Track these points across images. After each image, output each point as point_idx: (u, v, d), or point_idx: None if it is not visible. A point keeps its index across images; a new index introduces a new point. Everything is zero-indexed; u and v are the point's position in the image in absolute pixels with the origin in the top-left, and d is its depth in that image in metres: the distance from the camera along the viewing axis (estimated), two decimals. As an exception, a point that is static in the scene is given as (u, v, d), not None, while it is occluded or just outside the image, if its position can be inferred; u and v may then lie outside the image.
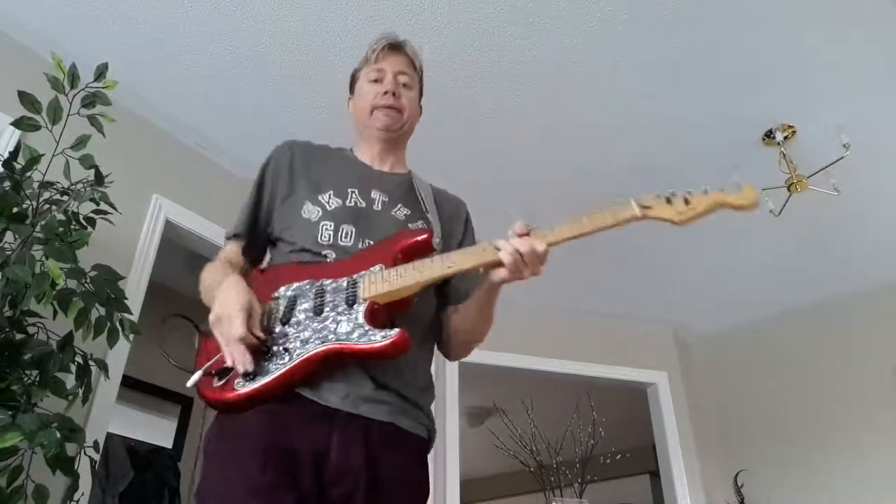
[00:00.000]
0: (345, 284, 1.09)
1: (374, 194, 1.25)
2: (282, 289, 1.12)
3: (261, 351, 1.03)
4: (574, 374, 3.86)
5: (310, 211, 1.20)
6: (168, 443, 3.64)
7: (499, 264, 1.05)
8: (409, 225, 1.23)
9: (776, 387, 3.94)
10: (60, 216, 1.68)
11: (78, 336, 1.65)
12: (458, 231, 1.34)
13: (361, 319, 1.04)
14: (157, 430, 3.61)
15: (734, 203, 1.09)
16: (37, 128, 1.68)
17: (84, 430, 1.72)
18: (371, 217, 1.21)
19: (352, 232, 1.17)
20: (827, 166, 2.66)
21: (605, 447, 4.28)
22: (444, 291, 1.26)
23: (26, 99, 1.66)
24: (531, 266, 1.04)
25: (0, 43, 2.24)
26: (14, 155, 1.68)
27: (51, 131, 1.68)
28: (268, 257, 1.30)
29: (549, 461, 4.15)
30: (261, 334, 1.03)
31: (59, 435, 1.45)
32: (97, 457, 1.85)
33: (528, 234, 1.05)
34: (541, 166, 2.96)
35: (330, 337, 1.03)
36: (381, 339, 1.01)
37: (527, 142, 2.82)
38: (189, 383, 1.04)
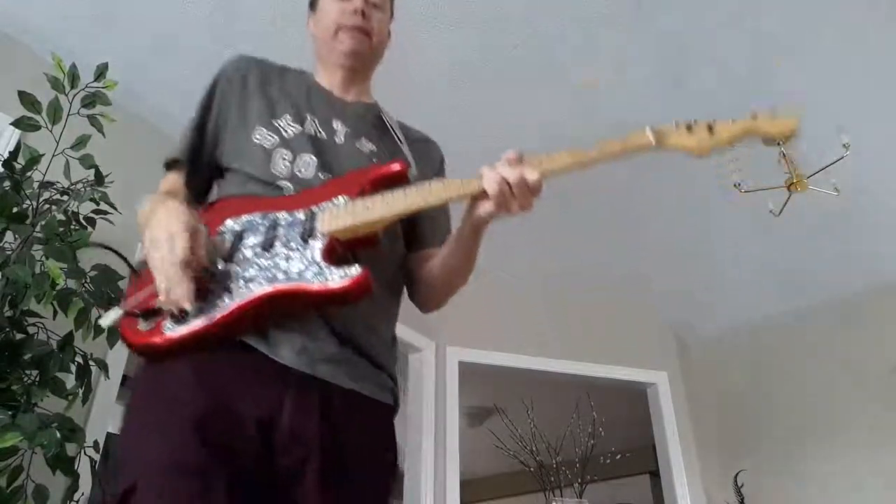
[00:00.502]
0: (302, 217, 0.93)
1: (336, 125, 1.10)
2: (228, 221, 0.96)
3: (197, 291, 0.85)
4: (574, 374, 3.86)
5: (263, 137, 1.04)
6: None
7: (483, 196, 0.90)
8: (374, 161, 1.08)
9: (776, 387, 3.94)
10: (60, 216, 1.68)
11: (78, 336, 1.65)
12: (431, 175, 1.16)
13: (317, 256, 0.88)
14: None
15: (768, 130, 0.96)
16: (37, 128, 1.68)
17: (84, 430, 1.72)
18: (332, 149, 1.06)
19: (312, 163, 1.02)
20: (827, 166, 2.66)
21: (605, 447, 4.29)
22: (414, 233, 1.12)
23: (26, 99, 1.67)
24: (520, 198, 0.88)
25: (0, 43, 2.24)
26: (14, 155, 1.68)
27: (51, 131, 1.68)
28: (215, 190, 1.13)
29: (549, 461, 4.16)
30: (206, 262, 0.87)
31: (59, 435, 1.45)
32: (97, 457, 1.85)
33: (520, 163, 0.90)
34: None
35: (278, 276, 0.87)
36: (339, 278, 0.85)
37: (524, 138, 2.82)
38: (104, 321, 0.87)
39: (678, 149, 0.94)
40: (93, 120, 1.74)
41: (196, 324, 0.85)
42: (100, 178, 1.76)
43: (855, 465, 3.48)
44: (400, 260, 1.10)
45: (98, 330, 1.69)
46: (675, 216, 3.29)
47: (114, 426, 2.57)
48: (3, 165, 1.65)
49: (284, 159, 1.02)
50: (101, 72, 1.75)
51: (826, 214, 3.15)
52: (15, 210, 1.59)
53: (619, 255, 3.60)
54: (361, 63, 1.19)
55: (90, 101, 1.74)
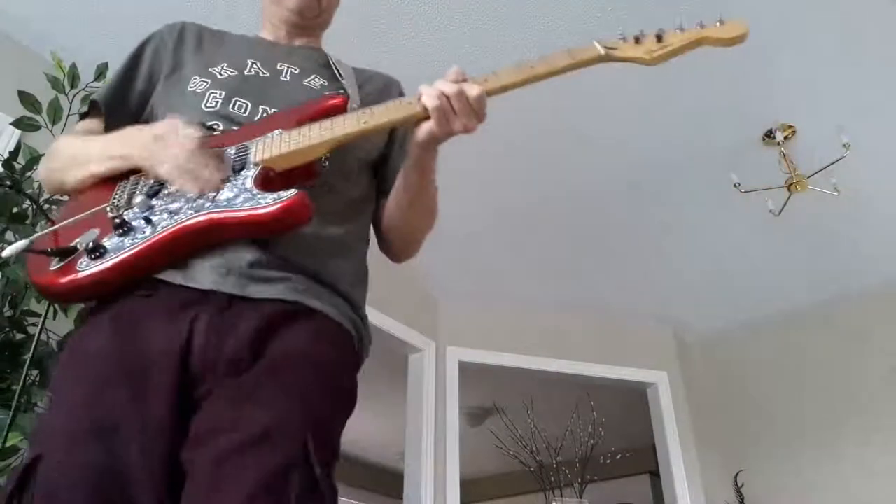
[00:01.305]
0: (233, 151, 0.86)
1: (281, 66, 1.02)
2: None
3: (114, 225, 0.78)
4: (574, 374, 3.86)
5: (196, 84, 0.96)
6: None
7: (424, 115, 0.83)
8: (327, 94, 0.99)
9: (776, 386, 3.94)
10: (60, 216, 1.68)
11: (78, 336, 1.65)
12: None
13: (248, 184, 0.80)
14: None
15: (719, 36, 0.92)
16: (37, 128, 1.68)
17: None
18: (277, 87, 0.98)
19: (246, 105, 0.94)
20: (827, 166, 2.66)
21: (605, 447, 4.29)
22: (381, 176, 1.05)
23: (26, 99, 1.67)
24: (462, 115, 0.82)
25: (0, 43, 2.24)
26: (14, 155, 1.68)
27: (51, 131, 1.68)
28: None
29: (549, 461, 4.16)
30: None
31: (59, 435, 1.45)
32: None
33: (461, 81, 0.84)
34: (537, 164, 2.96)
35: (206, 205, 0.79)
36: (271, 201, 0.77)
37: (523, 138, 2.82)
38: (5, 252, 0.78)
39: (627, 60, 0.91)
40: (93, 120, 1.74)
41: (112, 259, 0.76)
42: (100, 178, 1.76)
43: (856, 464, 3.48)
44: (361, 196, 1.01)
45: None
46: (676, 216, 3.29)
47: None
48: (3, 165, 1.65)
49: (216, 98, 0.94)
50: (101, 72, 1.75)
51: (825, 214, 3.15)
52: (15, 210, 1.59)
53: (619, 255, 3.60)
54: (308, 22, 1.12)
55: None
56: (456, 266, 3.53)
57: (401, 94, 1.12)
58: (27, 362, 1.36)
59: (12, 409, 1.33)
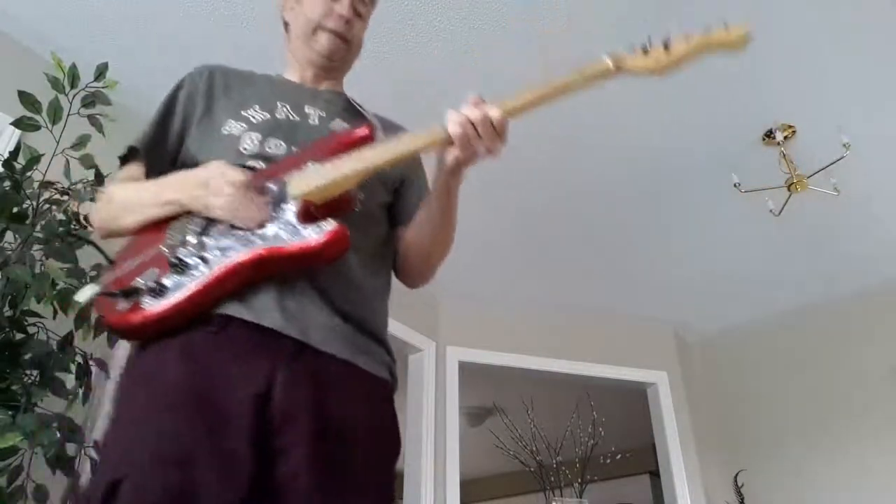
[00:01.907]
0: (272, 186, 0.91)
1: (308, 109, 1.08)
2: None
3: (171, 265, 0.85)
4: (574, 374, 3.86)
5: (231, 127, 1.01)
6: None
7: (450, 142, 0.88)
8: None
9: (776, 387, 3.94)
10: (60, 216, 1.68)
11: (78, 336, 1.65)
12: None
13: (291, 218, 0.86)
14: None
15: (722, 41, 0.96)
16: (37, 128, 1.68)
17: (84, 430, 1.72)
18: (306, 130, 1.04)
19: (281, 145, 0.99)
20: (827, 166, 2.66)
21: (605, 447, 4.29)
22: (395, 209, 1.10)
23: (26, 99, 1.67)
24: (486, 139, 0.86)
25: (0, 43, 2.24)
26: (14, 155, 1.68)
27: (51, 131, 1.68)
28: None
29: (549, 461, 4.16)
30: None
31: (59, 435, 1.45)
32: (97, 457, 1.84)
33: (480, 105, 0.88)
34: (538, 165, 2.96)
35: (255, 241, 0.85)
36: (314, 234, 0.83)
37: (523, 139, 2.82)
38: (79, 296, 0.84)
39: (637, 71, 0.93)
40: (93, 120, 1.74)
41: (175, 296, 0.83)
42: (100, 178, 1.76)
43: (855, 464, 3.48)
44: (384, 236, 1.07)
45: (98, 330, 1.69)
46: (676, 216, 3.29)
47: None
48: (3, 165, 1.65)
49: (252, 140, 0.99)
50: (101, 72, 1.75)
51: (826, 214, 3.15)
52: (15, 210, 1.59)
53: (619, 255, 3.60)
54: (334, 66, 1.18)
55: (90, 100, 1.74)
56: (456, 266, 3.53)
57: None
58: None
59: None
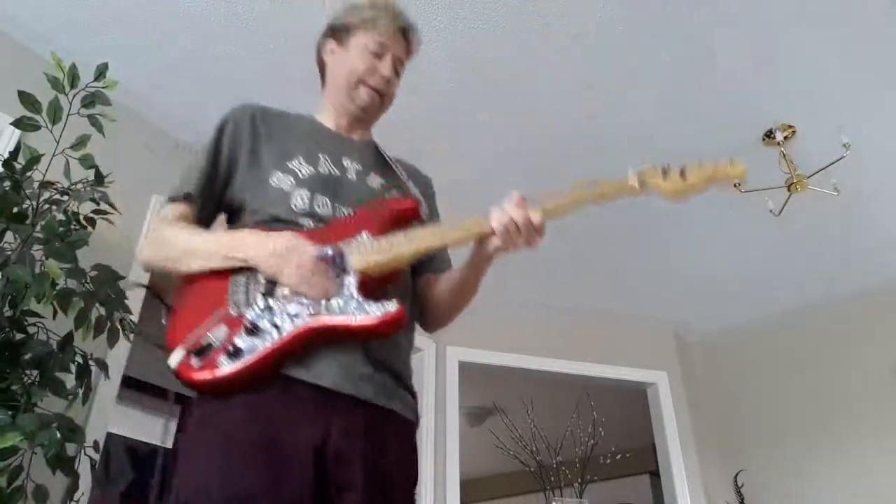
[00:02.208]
0: (335, 256, 1.00)
1: (346, 162, 1.18)
2: None
3: (246, 329, 0.94)
4: (574, 374, 3.86)
5: (280, 180, 1.10)
6: (168, 443, 3.64)
7: (492, 234, 1.00)
8: (386, 194, 1.16)
9: (776, 387, 3.94)
10: (60, 216, 1.68)
11: (78, 336, 1.65)
12: (427, 200, 1.28)
13: (354, 292, 0.96)
14: (157, 429, 3.61)
15: (728, 174, 1.07)
16: (37, 128, 1.68)
17: (84, 430, 1.72)
18: (346, 186, 1.13)
19: (327, 202, 1.09)
20: (827, 166, 2.66)
21: (605, 447, 4.28)
22: (422, 260, 1.16)
23: (26, 99, 1.66)
24: (526, 237, 0.99)
25: (0, 43, 2.24)
26: (14, 155, 1.68)
27: (51, 131, 1.68)
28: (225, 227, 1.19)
29: (549, 461, 4.15)
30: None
31: (59, 435, 1.45)
32: (97, 457, 1.84)
33: (524, 204, 1.01)
34: (538, 165, 2.96)
35: (322, 311, 0.95)
36: (379, 312, 0.94)
37: (524, 140, 2.82)
38: (172, 362, 0.92)
39: (657, 192, 1.06)
40: (93, 120, 1.74)
41: (249, 359, 0.91)
42: (100, 178, 1.76)
43: (855, 464, 3.48)
44: (412, 296, 1.17)
45: (98, 330, 1.69)
46: (676, 216, 3.29)
47: (113, 426, 2.58)
48: (3, 165, 1.65)
49: (303, 198, 1.08)
50: (101, 72, 1.75)
51: (826, 214, 3.15)
52: (15, 210, 1.59)
53: (619, 255, 3.60)
54: (370, 116, 1.28)
55: (90, 100, 1.74)
56: (455, 266, 3.53)
57: (431, 183, 1.35)
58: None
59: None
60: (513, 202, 1.00)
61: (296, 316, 0.95)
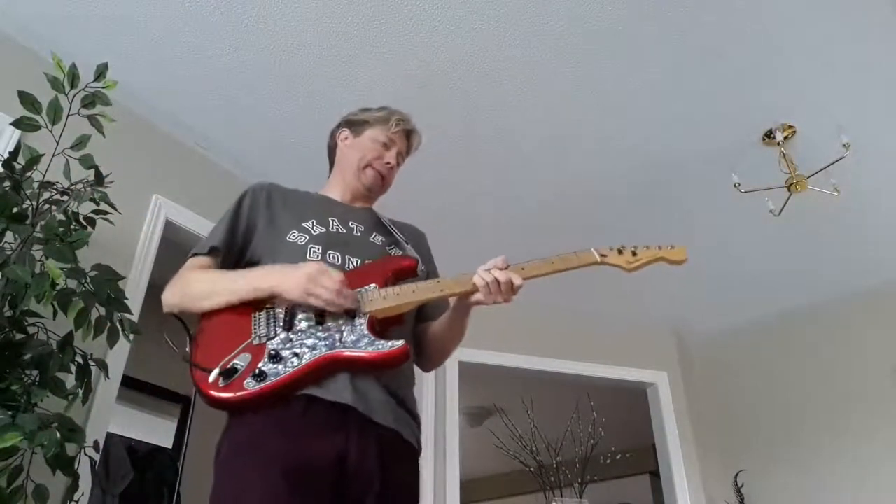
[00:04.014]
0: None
1: (352, 224, 1.37)
2: (276, 299, 1.18)
3: (270, 356, 1.08)
4: (574, 374, 3.86)
5: (296, 237, 1.28)
6: (168, 443, 3.64)
7: (476, 289, 1.18)
8: (388, 249, 1.35)
9: (776, 387, 3.94)
10: (60, 216, 1.67)
11: (78, 336, 1.65)
12: (423, 254, 1.46)
13: (366, 331, 1.12)
14: (157, 430, 3.61)
15: (669, 258, 1.38)
16: (37, 128, 1.68)
17: (84, 430, 1.72)
18: (353, 241, 1.32)
19: (338, 256, 1.27)
20: (827, 166, 2.66)
21: (605, 447, 4.28)
22: (422, 309, 1.35)
23: (26, 99, 1.66)
24: (504, 294, 1.17)
25: (0, 43, 2.24)
26: (14, 155, 1.68)
27: (51, 131, 1.68)
28: None
29: (549, 461, 4.15)
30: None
31: (59, 435, 1.45)
32: (97, 457, 1.84)
33: (506, 268, 1.19)
34: (537, 165, 2.96)
35: (337, 344, 1.10)
36: (389, 347, 1.09)
37: (527, 147, 2.82)
38: (211, 379, 1.05)
39: (614, 266, 1.36)
40: (93, 120, 1.74)
41: (272, 380, 1.05)
42: (100, 178, 1.76)
43: (855, 464, 3.48)
44: (413, 335, 1.33)
45: (98, 330, 1.69)
46: (676, 216, 3.29)
47: (113, 426, 2.58)
48: (3, 165, 1.65)
49: (316, 252, 1.25)
50: (101, 72, 1.74)
51: (826, 214, 3.15)
52: (15, 210, 1.59)
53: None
54: (371, 196, 1.50)
55: (90, 101, 1.74)
56: (455, 266, 3.53)
57: (425, 239, 1.54)
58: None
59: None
60: (497, 264, 1.19)
61: (313, 348, 1.09)
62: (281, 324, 1.13)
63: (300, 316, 1.14)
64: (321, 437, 1.04)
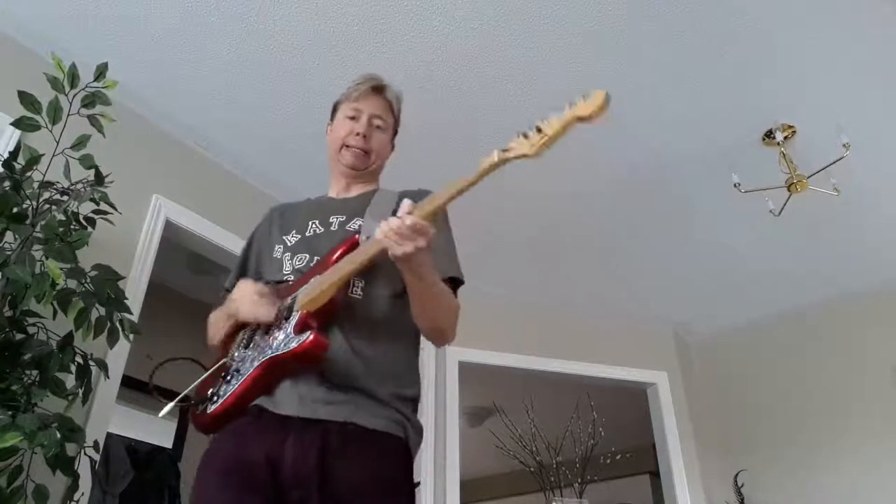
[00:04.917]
0: (288, 301, 1.16)
1: (332, 219, 1.32)
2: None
3: (223, 377, 1.16)
4: (574, 374, 3.85)
5: (277, 250, 1.32)
6: (168, 443, 3.64)
7: (381, 248, 1.08)
8: (360, 234, 1.26)
9: (776, 387, 3.94)
10: (60, 216, 1.67)
11: (78, 336, 1.65)
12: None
13: (291, 329, 1.11)
14: (157, 430, 3.60)
15: (585, 111, 0.98)
16: (37, 128, 1.68)
17: (84, 430, 1.72)
18: (324, 238, 1.28)
19: (305, 257, 1.26)
20: (827, 166, 2.66)
21: (605, 447, 4.28)
22: (387, 280, 1.24)
23: (26, 99, 1.66)
24: (410, 239, 1.03)
25: (0, 43, 2.24)
26: (14, 155, 1.68)
27: (51, 131, 1.68)
28: None
29: (549, 461, 4.15)
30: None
31: (59, 435, 1.45)
32: (97, 457, 1.85)
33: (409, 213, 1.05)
34: (537, 165, 2.95)
35: (267, 351, 1.11)
36: (295, 343, 1.07)
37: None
38: (165, 410, 1.14)
39: (519, 158, 1.04)
40: (93, 120, 1.74)
41: (221, 402, 1.13)
42: (100, 178, 1.76)
43: (855, 464, 3.48)
44: (387, 310, 1.22)
45: (98, 330, 1.69)
46: (676, 216, 3.29)
47: (113, 426, 2.58)
48: (3, 165, 1.65)
49: (288, 260, 1.27)
50: (101, 72, 1.74)
51: (826, 214, 3.15)
52: (15, 210, 1.59)
53: (619, 255, 3.60)
54: (360, 174, 1.41)
55: (90, 101, 1.74)
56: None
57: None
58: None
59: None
60: (400, 209, 1.06)
61: (252, 360, 1.12)
62: (243, 343, 1.20)
63: (259, 330, 1.19)
64: (257, 440, 1.07)
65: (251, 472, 1.04)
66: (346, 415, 1.08)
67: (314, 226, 1.32)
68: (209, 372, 1.21)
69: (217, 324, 1.30)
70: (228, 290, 1.34)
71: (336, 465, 1.04)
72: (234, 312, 1.23)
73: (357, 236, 1.19)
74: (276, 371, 1.10)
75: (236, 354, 1.18)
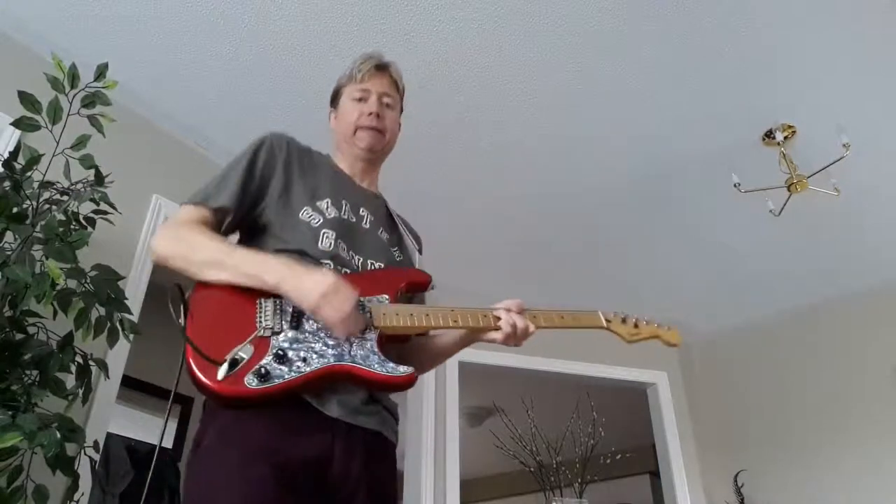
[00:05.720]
0: (363, 311, 1.13)
1: (363, 212, 1.30)
2: None
3: (276, 356, 1.00)
4: (574, 374, 3.86)
5: (309, 215, 1.20)
6: (168, 443, 3.64)
7: (497, 330, 1.22)
8: (393, 251, 1.31)
9: (776, 387, 3.94)
10: (60, 216, 1.67)
11: (78, 336, 1.65)
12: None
13: (375, 347, 1.09)
14: (157, 430, 3.60)
15: (664, 338, 1.46)
16: (37, 128, 1.68)
17: (84, 430, 1.72)
18: (361, 234, 1.26)
19: (343, 246, 1.21)
20: (827, 166, 2.66)
21: (605, 447, 4.28)
22: None
23: (26, 99, 1.66)
24: (519, 339, 1.23)
25: (0, 43, 2.24)
26: (14, 155, 1.68)
27: (51, 131, 1.68)
28: (233, 238, 1.23)
29: (549, 461, 4.15)
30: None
31: (59, 435, 1.45)
32: (97, 457, 1.84)
33: (522, 312, 1.23)
34: (538, 164, 2.96)
35: (345, 357, 1.06)
36: (400, 373, 1.07)
37: (527, 147, 2.82)
38: (220, 375, 0.97)
39: (615, 333, 1.38)
40: (93, 120, 1.74)
41: (276, 383, 0.99)
42: (100, 178, 1.76)
43: (855, 464, 3.48)
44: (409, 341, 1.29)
45: (98, 330, 1.69)
46: (676, 216, 3.29)
47: (113, 426, 2.58)
48: (3, 165, 1.65)
49: (328, 238, 1.18)
50: (101, 72, 1.74)
51: (826, 214, 3.15)
52: (15, 210, 1.59)
53: (619, 255, 3.60)
54: (377, 156, 1.40)
55: (90, 101, 1.74)
56: (456, 265, 3.53)
57: (421, 245, 1.46)
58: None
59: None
60: (515, 310, 1.22)
61: (321, 355, 1.04)
62: (289, 319, 1.05)
63: (305, 316, 1.07)
64: (306, 437, 1.01)
65: (297, 471, 0.98)
66: (377, 425, 1.12)
67: (347, 210, 1.26)
68: (249, 339, 1.02)
69: (230, 264, 1.07)
70: (213, 209, 1.17)
71: (377, 471, 1.09)
72: (295, 299, 1.04)
73: (428, 278, 1.28)
74: (343, 377, 1.05)
75: (281, 334, 1.03)
